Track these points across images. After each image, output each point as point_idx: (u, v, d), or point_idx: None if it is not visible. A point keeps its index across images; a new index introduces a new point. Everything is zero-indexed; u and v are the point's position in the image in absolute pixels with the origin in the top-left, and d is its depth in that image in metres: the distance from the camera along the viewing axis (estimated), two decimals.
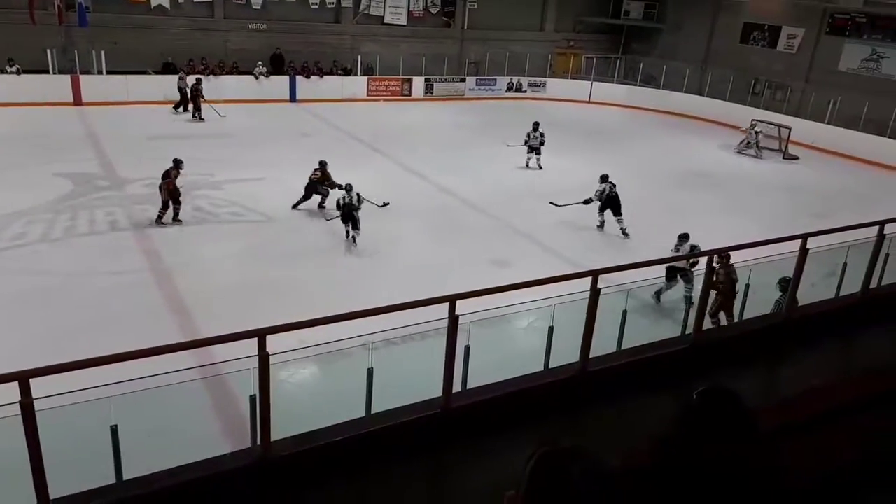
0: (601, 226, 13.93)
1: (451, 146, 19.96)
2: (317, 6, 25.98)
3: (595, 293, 5.18)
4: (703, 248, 6.84)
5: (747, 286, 8.66)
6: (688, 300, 9.46)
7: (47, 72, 21.57)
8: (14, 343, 7.92)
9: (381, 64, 26.65)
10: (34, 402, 3.33)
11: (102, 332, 8.27)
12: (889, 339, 6.45)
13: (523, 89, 28.96)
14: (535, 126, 18.19)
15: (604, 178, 13.78)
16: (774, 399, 5.21)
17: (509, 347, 7.77)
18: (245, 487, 4.03)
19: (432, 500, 4.40)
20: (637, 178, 17.51)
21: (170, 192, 12.74)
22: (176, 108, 22.03)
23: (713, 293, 8.50)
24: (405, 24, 27.94)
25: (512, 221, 14.10)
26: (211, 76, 23.17)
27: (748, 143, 21.71)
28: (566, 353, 5.50)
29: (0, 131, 17.94)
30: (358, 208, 12.37)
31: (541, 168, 18.13)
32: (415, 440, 4.46)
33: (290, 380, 6.82)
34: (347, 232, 12.46)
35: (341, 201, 12.40)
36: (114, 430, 4.06)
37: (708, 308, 8.11)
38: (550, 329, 6.06)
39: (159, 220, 12.76)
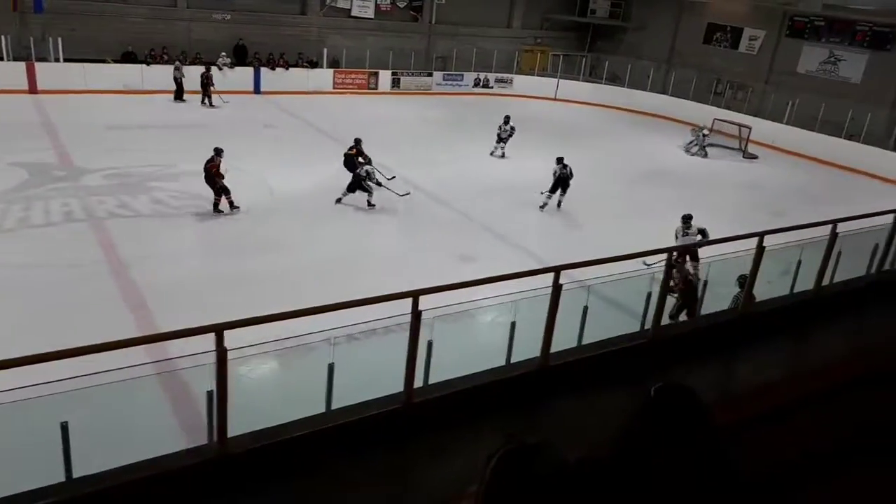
0: (544, 206, 14.88)
1: (418, 140, 19.92)
2: None
3: (557, 289, 5.22)
4: (665, 246, 6.92)
5: (706, 283, 8.82)
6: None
7: (1, 59, 20.91)
8: None
9: (347, 57, 26.46)
10: None
11: (56, 326, 8.07)
12: (840, 335, 6.64)
13: (490, 85, 29.04)
14: (507, 119, 18.99)
15: (558, 161, 14.95)
16: (730, 394, 5.32)
17: (473, 342, 7.78)
18: (199, 485, 3.97)
19: (393, 495, 4.39)
20: (600, 175, 17.72)
21: (218, 178, 12.86)
22: (176, 98, 21.97)
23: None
24: (372, 17, 27.78)
25: (478, 216, 14.13)
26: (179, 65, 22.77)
27: (695, 143, 21.94)
28: (531, 347, 5.53)
29: None
30: (365, 179, 13.84)
31: (504, 157, 18.57)
32: (376, 435, 4.44)
33: (250, 375, 6.76)
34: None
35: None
36: (64, 427, 3.95)
37: (670, 310, 8.27)
38: (513, 324, 6.09)
39: (216, 209, 12.99)
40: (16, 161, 14.74)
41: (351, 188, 13.89)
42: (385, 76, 27.12)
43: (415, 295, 4.51)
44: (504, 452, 1.41)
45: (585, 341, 6.19)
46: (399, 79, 27.46)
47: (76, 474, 3.90)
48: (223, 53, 23.84)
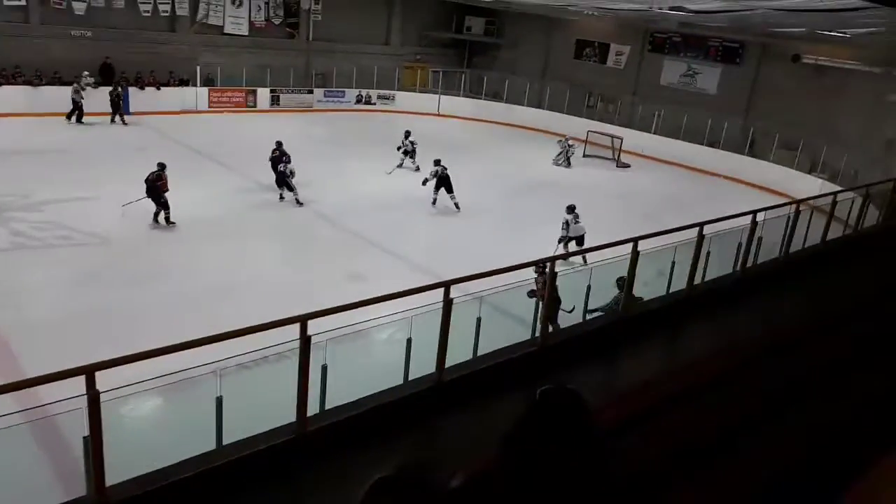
0: (434, 203, 16.23)
1: (300, 158, 19.53)
2: (149, 14, 24.52)
3: (448, 304, 5.27)
4: (542, 256, 7.18)
5: (588, 287, 9.18)
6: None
7: None
8: None
9: (222, 75, 25.64)
10: None
11: None
12: (710, 330, 7.12)
13: (373, 102, 29.06)
14: (407, 134, 19.96)
15: (436, 163, 16.31)
16: (615, 392, 5.55)
17: (370, 363, 7.69)
18: None
19: None
20: (485, 188, 18.12)
21: (163, 191, 13.39)
22: (69, 117, 21.19)
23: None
24: (247, 34, 27.10)
25: (365, 233, 14.04)
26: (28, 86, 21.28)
27: (562, 154, 22.72)
28: (430, 362, 5.53)
29: None
30: (288, 177, 15.71)
31: (418, 170, 18.71)
32: (269, 468, 4.29)
33: (132, 415, 6.35)
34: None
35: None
36: None
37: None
38: (409, 341, 6.08)
39: (168, 220, 13.44)
40: None
41: (278, 184, 15.80)
42: (264, 94, 26.51)
43: (303, 320, 4.42)
44: (374, 482, 1.40)
45: (482, 352, 6.29)
46: (279, 96, 26.93)
47: None
48: (86, 73, 22.34)
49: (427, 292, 5.39)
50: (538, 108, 28.45)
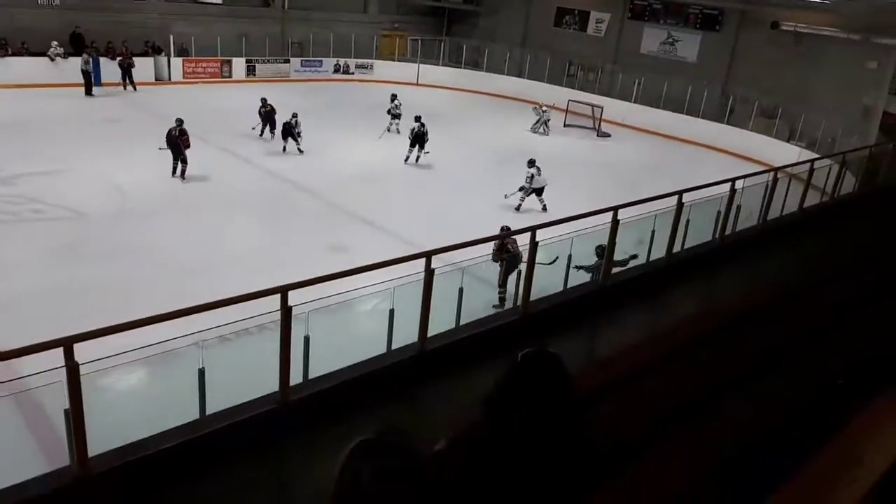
0: (407, 160, 17.07)
1: (277, 128, 19.28)
2: None
3: (429, 274, 5.27)
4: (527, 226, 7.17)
5: (570, 256, 9.22)
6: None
7: None
8: None
9: (196, 45, 25.08)
10: None
11: None
12: (690, 297, 7.20)
13: (350, 71, 28.65)
14: (393, 97, 20.20)
15: (416, 119, 17.08)
16: (595, 360, 5.62)
17: (353, 333, 7.70)
18: None
19: (272, 498, 4.27)
20: (466, 158, 18.05)
21: (184, 147, 14.07)
22: (88, 93, 21.41)
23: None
24: (220, 2, 26.47)
25: (346, 204, 13.95)
26: None
27: (539, 122, 22.77)
28: (413, 333, 5.53)
29: None
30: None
31: (399, 133, 19.10)
32: (252, 438, 4.29)
33: (115, 387, 6.32)
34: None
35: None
36: None
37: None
38: (391, 311, 6.08)
39: (175, 173, 14.21)
40: None
41: (284, 136, 17.03)
42: (239, 64, 26.01)
43: (283, 290, 4.40)
44: (355, 444, 1.41)
45: (464, 321, 6.31)
46: (255, 66, 26.43)
47: None
48: (54, 43, 21.78)
49: (409, 262, 5.38)
50: (519, 77, 28.24)
